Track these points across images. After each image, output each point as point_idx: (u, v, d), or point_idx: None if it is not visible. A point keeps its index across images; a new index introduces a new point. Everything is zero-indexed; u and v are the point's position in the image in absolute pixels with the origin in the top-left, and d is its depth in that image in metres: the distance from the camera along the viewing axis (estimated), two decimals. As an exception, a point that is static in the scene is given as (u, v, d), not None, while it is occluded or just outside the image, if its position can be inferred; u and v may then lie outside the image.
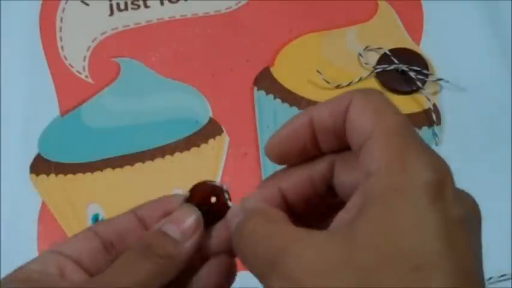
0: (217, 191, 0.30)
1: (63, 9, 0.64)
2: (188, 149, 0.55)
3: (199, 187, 0.30)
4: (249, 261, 0.25)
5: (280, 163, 0.29)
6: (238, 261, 0.29)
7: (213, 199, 0.30)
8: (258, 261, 0.24)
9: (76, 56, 0.61)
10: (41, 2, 0.64)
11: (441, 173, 0.22)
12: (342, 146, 0.26)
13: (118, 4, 0.64)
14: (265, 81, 0.59)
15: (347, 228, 0.22)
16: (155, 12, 0.64)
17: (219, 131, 0.56)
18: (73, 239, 0.29)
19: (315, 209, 0.29)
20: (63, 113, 0.58)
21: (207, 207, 0.30)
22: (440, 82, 0.58)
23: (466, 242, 0.21)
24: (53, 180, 0.54)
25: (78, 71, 0.60)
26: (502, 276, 0.48)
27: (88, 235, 0.29)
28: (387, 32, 0.62)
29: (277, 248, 0.23)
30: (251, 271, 0.25)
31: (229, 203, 0.29)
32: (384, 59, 0.60)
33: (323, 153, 0.28)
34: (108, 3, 0.64)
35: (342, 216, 0.24)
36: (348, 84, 0.58)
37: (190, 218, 0.29)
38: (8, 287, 0.26)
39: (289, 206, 0.28)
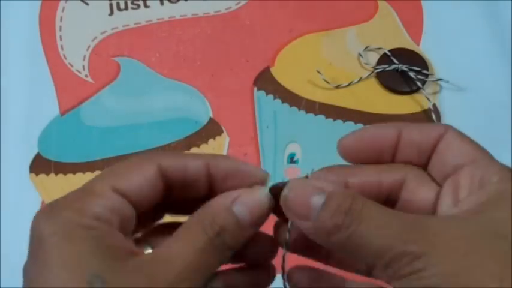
0: None
1: (63, 9, 0.64)
2: (188, 149, 0.55)
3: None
4: (363, 246, 0.24)
5: (346, 158, 0.29)
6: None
7: None
8: (378, 247, 0.24)
9: (76, 55, 0.61)
10: (40, 1, 0.64)
11: None
12: (416, 162, 0.29)
13: (118, 4, 0.64)
14: (265, 81, 0.59)
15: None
16: (155, 12, 0.64)
17: (219, 131, 0.56)
18: (138, 176, 0.27)
19: None
20: (63, 112, 0.58)
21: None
22: (440, 82, 0.58)
23: None
24: (53, 179, 0.54)
25: (78, 70, 0.60)
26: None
27: (154, 172, 0.28)
28: (387, 32, 0.62)
29: (413, 221, 0.24)
30: (359, 258, 0.25)
31: None
32: (383, 59, 0.60)
33: (392, 163, 0.29)
34: (108, 2, 0.64)
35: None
36: (348, 85, 0.58)
37: (265, 207, 0.28)
38: (73, 232, 0.25)
39: None
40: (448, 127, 0.28)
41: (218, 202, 0.28)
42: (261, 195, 0.28)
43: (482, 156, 0.27)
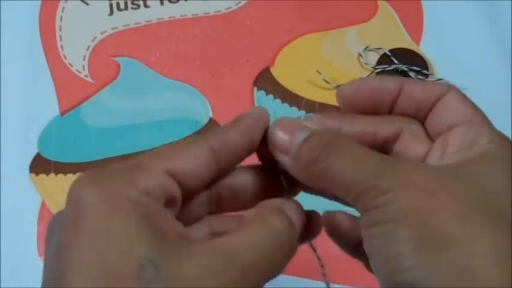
0: None
1: (63, 9, 0.64)
2: (188, 148, 0.55)
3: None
4: (343, 176, 0.25)
5: (344, 107, 0.29)
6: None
7: None
8: (359, 172, 0.24)
9: (76, 55, 0.61)
10: (40, 1, 0.64)
11: None
12: (414, 115, 0.29)
13: (118, 4, 0.64)
14: (265, 81, 0.59)
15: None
16: (155, 12, 0.64)
17: (219, 131, 0.56)
18: (191, 160, 0.25)
19: None
20: (63, 112, 0.58)
21: None
22: (440, 82, 0.58)
23: None
24: (53, 179, 0.54)
25: (78, 70, 0.60)
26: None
27: (207, 157, 0.26)
28: (387, 32, 0.62)
29: (388, 160, 0.25)
30: (333, 190, 0.25)
31: None
32: (383, 59, 0.60)
33: (390, 115, 0.29)
34: (108, 2, 0.64)
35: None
36: (348, 84, 0.58)
37: (302, 216, 0.27)
38: (123, 205, 0.22)
39: None
40: (451, 87, 0.28)
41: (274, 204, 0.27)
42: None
43: (478, 118, 0.27)
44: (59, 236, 0.23)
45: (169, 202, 0.24)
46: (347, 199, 0.25)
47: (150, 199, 0.23)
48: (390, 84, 0.29)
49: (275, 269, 0.24)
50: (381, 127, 0.28)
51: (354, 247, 0.30)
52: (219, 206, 0.29)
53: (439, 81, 0.29)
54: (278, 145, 0.27)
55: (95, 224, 0.22)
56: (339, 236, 0.30)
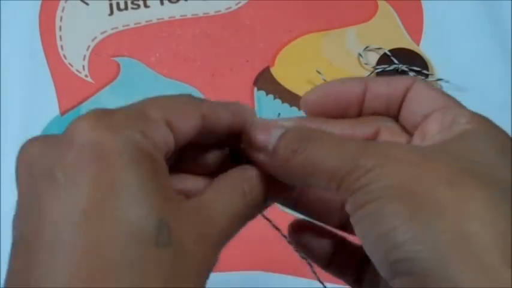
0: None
1: (63, 9, 0.64)
2: (188, 148, 0.55)
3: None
4: (322, 164, 0.24)
5: (310, 114, 0.29)
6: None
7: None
8: (338, 159, 0.24)
9: (76, 55, 0.61)
10: (40, 1, 0.64)
11: None
12: (385, 113, 0.28)
13: (118, 4, 0.64)
14: (265, 81, 0.59)
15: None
16: (155, 12, 0.64)
17: (218, 131, 0.56)
18: (185, 119, 0.25)
19: None
20: (63, 112, 0.58)
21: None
22: (440, 82, 0.58)
23: None
24: (53, 179, 0.54)
25: (77, 70, 0.60)
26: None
27: (197, 120, 0.26)
28: (387, 32, 0.62)
29: (367, 142, 0.25)
30: (316, 181, 0.25)
31: None
32: (383, 59, 0.60)
33: (367, 116, 0.29)
34: (108, 2, 0.64)
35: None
36: (348, 84, 0.58)
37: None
38: (141, 158, 0.22)
39: None
40: (416, 78, 0.28)
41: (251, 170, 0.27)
42: None
43: (451, 103, 0.27)
44: (84, 187, 0.21)
45: (166, 156, 0.24)
46: (330, 188, 0.24)
47: (158, 153, 0.23)
48: (354, 85, 0.28)
49: (238, 229, 0.26)
50: (358, 128, 0.28)
51: (327, 262, 0.30)
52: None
53: (403, 76, 0.29)
54: (254, 144, 0.27)
55: (118, 179, 0.21)
56: (309, 247, 0.30)
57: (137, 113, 0.24)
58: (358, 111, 0.29)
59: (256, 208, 0.27)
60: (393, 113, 0.28)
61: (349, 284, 0.31)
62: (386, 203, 0.22)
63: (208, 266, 0.24)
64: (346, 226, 0.30)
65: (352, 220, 0.24)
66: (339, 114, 0.29)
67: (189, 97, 0.27)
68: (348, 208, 0.24)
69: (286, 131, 0.26)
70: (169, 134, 0.24)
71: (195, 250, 0.22)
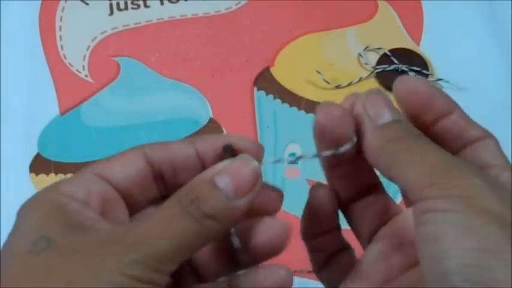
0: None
1: (63, 9, 0.64)
2: (188, 148, 0.55)
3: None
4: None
5: (401, 102, 0.28)
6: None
7: None
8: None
9: (76, 55, 0.61)
10: (40, 1, 0.64)
11: None
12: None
13: (118, 4, 0.64)
14: (265, 81, 0.59)
15: None
16: (155, 12, 0.64)
17: (219, 131, 0.56)
18: (121, 162, 0.27)
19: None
20: (63, 112, 0.58)
21: None
22: (440, 82, 0.58)
23: None
24: (53, 179, 0.54)
25: (77, 70, 0.60)
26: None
27: (139, 160, 0.27)
28: (387, 32, 0.62)
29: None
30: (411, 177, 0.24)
31: None
32: (383, 59, 0.60)
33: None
34: (108, 2, 0.64)
35: None
36: (348, 85, 0.58)
37: (248, 169, 0.25)
38: (41, 208, 0.26)
39: None
40: (491, 136, 0.30)
41: (199, 176, 0.25)
42: (247, 164, 0.25)
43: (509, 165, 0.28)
44: None
45: (105, 202, 0.26)
46: (408, 190, 0.24)
47: (72, 201, 0.25)
48: (443, 102, 0.28)
49: (191, 245, 0.24)
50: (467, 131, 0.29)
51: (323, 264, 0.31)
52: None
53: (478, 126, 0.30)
54: (367, 111, 0.27)
55: (15, 224, 0.26)
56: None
57: (65, 178, 0.27)
58: (430, 121, 0.28)
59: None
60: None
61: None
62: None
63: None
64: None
65: (415, 222, 0.23)
66: (418, 114, 0.28)
67: (128, 149, 0.28)
68: (416, 211, 0.23)
69: (399, 119, 0.26)
70: (99, 182, 0.26)
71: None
